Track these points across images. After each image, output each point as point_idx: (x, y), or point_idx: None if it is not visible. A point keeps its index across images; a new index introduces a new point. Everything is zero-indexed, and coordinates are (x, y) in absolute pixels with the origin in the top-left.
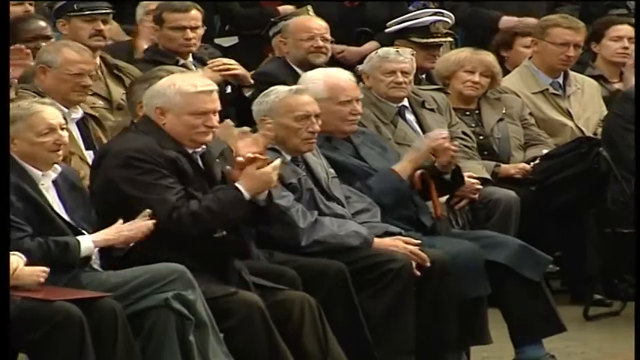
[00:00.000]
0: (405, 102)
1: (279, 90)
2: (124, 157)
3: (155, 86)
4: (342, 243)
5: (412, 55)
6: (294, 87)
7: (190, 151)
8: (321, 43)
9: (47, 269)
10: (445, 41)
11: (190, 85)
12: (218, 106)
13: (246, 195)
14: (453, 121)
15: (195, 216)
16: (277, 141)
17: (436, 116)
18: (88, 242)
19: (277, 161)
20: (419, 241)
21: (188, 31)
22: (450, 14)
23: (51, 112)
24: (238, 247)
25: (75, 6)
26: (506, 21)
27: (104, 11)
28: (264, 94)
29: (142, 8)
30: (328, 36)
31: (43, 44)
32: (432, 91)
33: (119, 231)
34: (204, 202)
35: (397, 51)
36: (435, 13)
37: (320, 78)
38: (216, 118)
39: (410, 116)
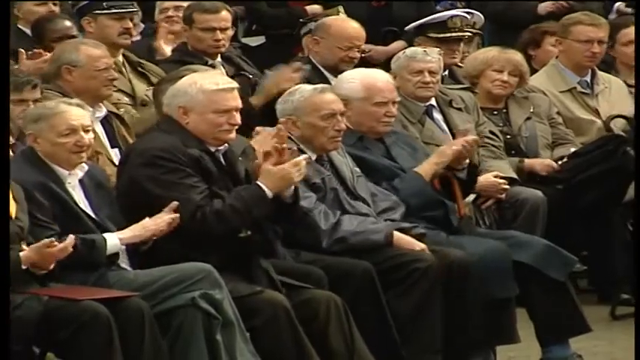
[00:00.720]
0: (433, 101)
1: (304, 89)
2: (148, 156)
3: (176, 85)
4: (362, 240)
5: (440, 54)
6: (318, 86)
7: (213, 150)
8: (357, 55)
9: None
10: (463, 35)
11: (212, 83)
12: (240, 103)
13: (269, 193)
14: (480, 120)
15: (219, 215)
16: (303, 140)
17: (463, 115)
18: (114, 239)
19: (299, 158)
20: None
21: (218, 32)
22: (478, 13)
23: (75, 113)
24: (263, 246)
25: (104, 4)
26: (544, 7)
27: (132, 10)
28: (288, 92)
29: (157, 8)
30: (363, 45)
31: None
32: (460, 91)
33: (145, 227)
34: (227, 200)
35: (425, 51)
36: (453, 15)
37: (357, 78)
38: (238, 116)
39: (437, 115)
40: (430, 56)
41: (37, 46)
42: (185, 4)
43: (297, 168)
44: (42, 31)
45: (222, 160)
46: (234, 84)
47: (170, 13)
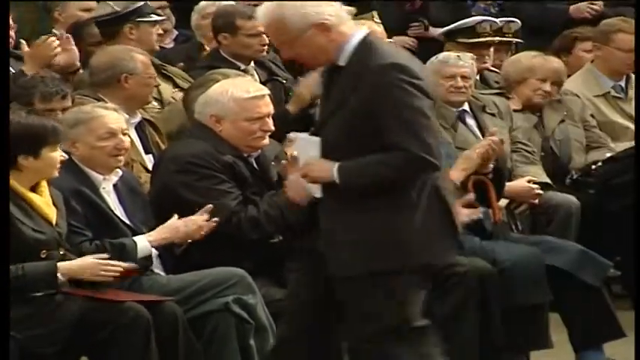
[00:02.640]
0: (466, 106)
1: None
2: (182, 163)
3: (207, 94)
4: None
5: (473, 59)
6: None
7: (246, 155)
8: None
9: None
10: (492, 41)
11: (243, 90)
12: (272, 109)
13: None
14: (514, 125)
15: (254, 221)
16: None
17: (497, 120)
18: (144, 242)
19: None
20: None
21: (264, 36)
22: (515, 19)
23: (113, 117)
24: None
25: (146, 11)
26: (576, 9)
27: (164, 17)
28: None
29: (198, 13)
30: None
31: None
32: (493, 96)
33: (174, 227)
34: (262, 207)
35: (458, 56)
36: (482, 20)
37: None
38: (271, 122)
39: (470, 121)
40: (463, 61)
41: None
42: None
43: None
44: (80, 35)
45: (255, 165)
46: (266, 90)
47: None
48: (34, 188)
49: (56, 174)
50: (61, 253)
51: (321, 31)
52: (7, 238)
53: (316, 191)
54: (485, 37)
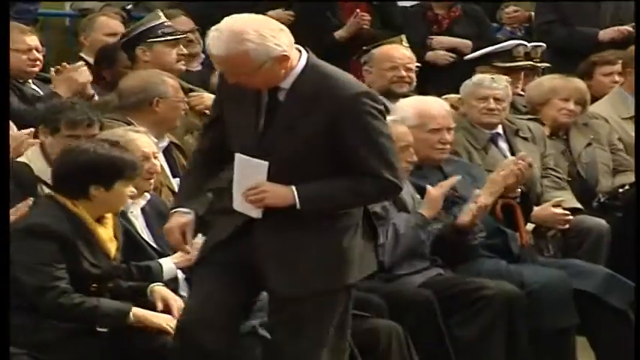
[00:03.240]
0: (499, 129)
1: None
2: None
3: None
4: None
5: (507, 82)
6: (393, 117)
7: None
8: (403, 73)
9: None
10: (527, 65)
11: None
12: None
13: None
14: (546, 151)
15: None
16: None
17: (529, 145)
18: (169, 264)
19: None
20: None
21: None
22: (541, 44)
23: (145, 141)
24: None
25: (160, 31)
26: (605, 33)
27: (184, 36)
28: None
29: None
30: (412, 65)
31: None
32: (528, 121)
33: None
34: None
35: (492, 78)
36: (518, 44)
37: (410, 105)
38: None
39: (503, 144)
40: (497, 83)
41: (105, 73)
42: None
43: None
44: (112, 59)
45: None
46: None
47: None
48: (100, 219)
49: (121, 209)
50: (110, 285)
51: (280, 62)
52: (7, 237)
53: (257, 213)
54: (520, 61)
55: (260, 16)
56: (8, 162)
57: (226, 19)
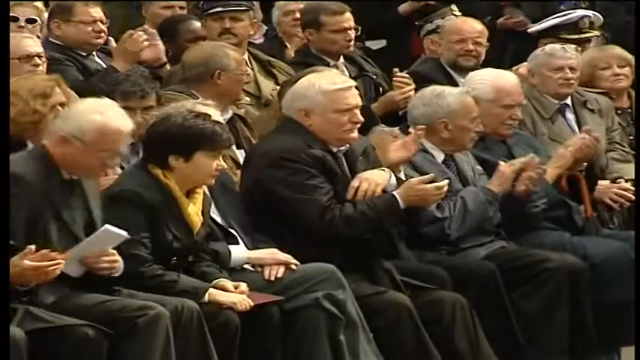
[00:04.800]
0: (568, 100)
1: (451, 92)
2: (272, 158)
3: (294, 89)
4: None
5: (577, 51)
6: (460, 89)
7: (335, 150)
8: (471, 47)
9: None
10: (592, 36)
11: (330, 83)
12: (360, 100)
13: (402, 205)
14: (614, 126)
15: (349, 220)
16: (446, 142)
17: (596, 117)
18: (240, 254)
19: (443, 182)
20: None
21: (349, 32)
22: (598, 14)
23: (213, 114)
24: (386, 247)
25: (205, 5)
26: None
27: (232, 8)
28: (434, 95)
29: (279, 9)
30: (482, 40)
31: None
32: (597, 94)
33: (275, 256)
34: (359, 207)
35: (563, 47)
36: (584, 15)
37: (488, 79)
38: (359, 113)
39: (570, 115)
40: (569, 53)
41: (168, 47)
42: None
43: (439, 192)
44: (176, 31)
45: (343, 160)
46: (352, 82)
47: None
48: (188, 193)
49: (210, 182)
50: (190, 260)
51: None
52: (7, 238)
53: (75, 271)
54: (586, 32)
55: None
56: (8, 162)
57: None
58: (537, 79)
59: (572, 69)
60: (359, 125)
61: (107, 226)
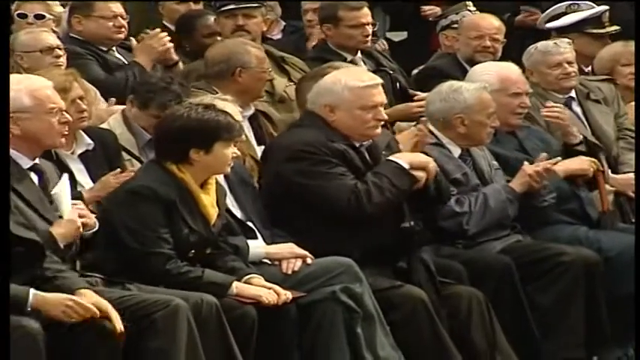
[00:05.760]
0: (573, 93)
1: (468, 87)
2: (293, 151)
3: (320, 84)
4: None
5: (569, 44)
6: (477, 84)
7: (357, 144)
8: (488, 43)
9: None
10: (614, 30)
11: (357, 80)
12: (385, 98)
13: (404, 164)
14: (621, 112)
15: (367, 194)
16: (462, 137)
17: (602, 107)
18: (259, 249)
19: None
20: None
21: (367, 27)
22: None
23: (231, 109)
24: (425, 236)
25: (217, 3)
26: None
27: (244, 5)
28: (452, 90)
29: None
30: (499, 36)
31: (218, 39)
32: (599, 82)
33: (291, 249)
34: (368, 179)
35: (555, 43)
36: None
37: (492, 70)
38: (384, 111)
39: (576, 108)
40: (562, 47)
41: (185, 42)
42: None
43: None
44: (192, 27)
45: (366, 154)
46: (379, 80)
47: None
48: (202, 185)
49: (227, 170)
50: (207, 252)
51: None
52: (8, 239)
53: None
54: (608, 27)
55: None
56: (8, 162)
57: None
58: (537, 77)
59: (569, 62)
60: (382, 122)
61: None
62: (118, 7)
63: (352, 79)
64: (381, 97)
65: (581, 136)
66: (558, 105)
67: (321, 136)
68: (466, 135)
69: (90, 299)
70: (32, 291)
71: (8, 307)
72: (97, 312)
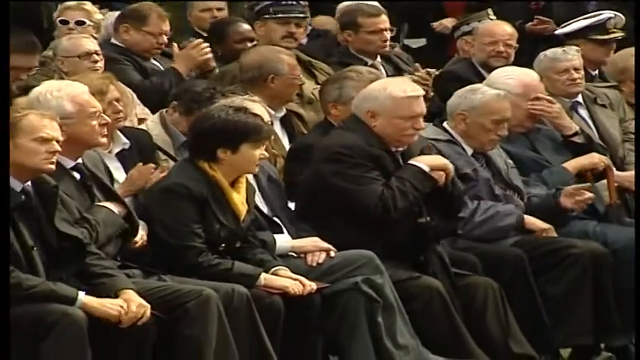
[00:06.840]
0: (579, 98)
1: (486, 91)
2: (330, 152)
3: (367, 89)
4: (492, 229)
5: (577, 51)
6: (500, 92)
7: (393, 149)
8: (502, 48)
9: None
10: (619, 36)
11: (401, 90)
12: (424, 109)
13: (424, 167)
14: (626, 116)
15: (394, 200)
16: (464, 135)
17: (608, 112)
18: (285, 243)
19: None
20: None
21: (385, 33)
22: (621, 16)
23: (259, 109)
24: (442, 230)
25: (271, 9)
26: None
27: (298, 15)
28: (470, 89)
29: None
30: (512, 42)
31: (249, 45)
32: (606, 88)
33: (315, 243)
34: (392, 184)
35: (564, 50)
36: (610, 16)
37: (515, 75)
38: (422, 121)
39: (583, 112)
40: (570, 54)
41: (217, 47)
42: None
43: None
44: (225, 33)
45: (400, 159)
46: (421, 91)
47: None
48: (233, 183)
49: (255, 170)
50: (237, 246)
51: None
52: (8, 239)
53: None
54: (613, 33)
55: None
56: (8, 162)
57: None
58: (546, 82)
59: (576, 69)
60: (420, 131)
61: None
62: (166, 25)
63: (396, 89)
64: (420, 108)
65: (577, 127)
66: (545, 97)
67: (360, 139)
68: (467, 134)
69: (133, 301)
70: (81, 294)
71: (8, 308)
72: (141, 316)
